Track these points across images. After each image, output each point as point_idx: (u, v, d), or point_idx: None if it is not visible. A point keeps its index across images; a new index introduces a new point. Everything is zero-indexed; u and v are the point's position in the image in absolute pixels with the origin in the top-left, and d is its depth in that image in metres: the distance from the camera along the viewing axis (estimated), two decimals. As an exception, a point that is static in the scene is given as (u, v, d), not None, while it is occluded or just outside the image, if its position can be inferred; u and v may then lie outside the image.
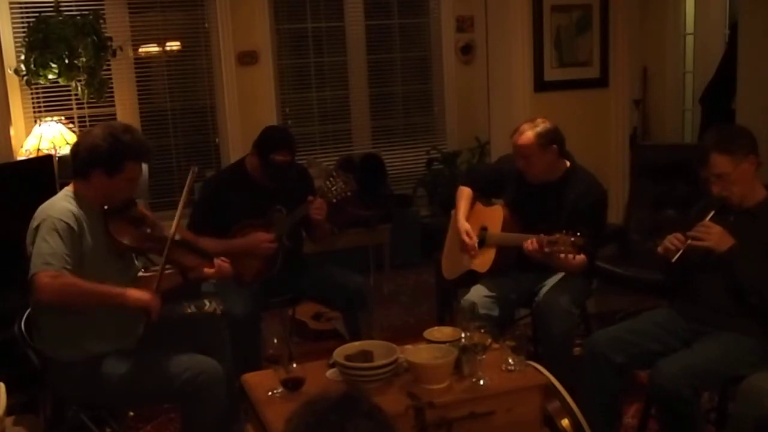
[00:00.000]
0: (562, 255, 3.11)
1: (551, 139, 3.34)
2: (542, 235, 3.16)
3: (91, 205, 2.78)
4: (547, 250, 3.13)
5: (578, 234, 3.06)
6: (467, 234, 3.52)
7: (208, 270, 2.95)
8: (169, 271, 2.83)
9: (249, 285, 3.61)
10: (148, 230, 2.85)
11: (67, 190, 2.78)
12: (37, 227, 2.63)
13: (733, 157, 2.77)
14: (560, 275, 3.37)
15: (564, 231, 3.10)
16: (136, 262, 3.00)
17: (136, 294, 2.69)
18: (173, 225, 2.82)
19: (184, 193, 2.90)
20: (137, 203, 2.94)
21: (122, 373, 2.70)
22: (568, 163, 3.49)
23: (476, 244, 3.51)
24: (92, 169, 2.73)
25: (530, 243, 3.20)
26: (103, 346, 2.74)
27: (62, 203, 2.70)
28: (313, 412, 1.36)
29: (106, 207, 2.84)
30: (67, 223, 2.63)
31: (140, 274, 2.98)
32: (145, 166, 5.24)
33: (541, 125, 3.34)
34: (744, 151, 2.79)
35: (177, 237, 2.82)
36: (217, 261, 2.97)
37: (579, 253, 3.11)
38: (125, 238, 2.78)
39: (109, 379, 2.70)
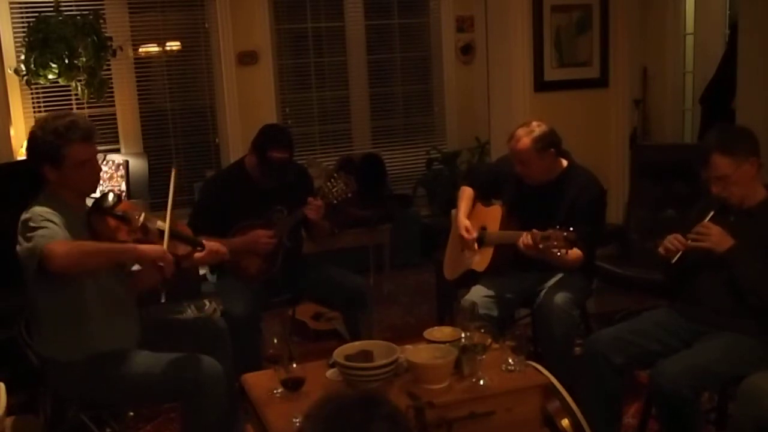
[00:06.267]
0: (555, 250, 3.11)
1: (548, 142, 3.34)
2: (535, 230, 3.17)
3: (72, 204, 2.75)
4: (540, 245, 3.14)
5: (571, 229, 3.06)
6: (466, 229, 3.52)
7: (199, 255, 2.94)
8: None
9: (250, 283, 3.61)
10: (133, 223, 2.81)
11: (42, 198, 2.73)
12: (26, 225, 2.60)
13: (734, 159, 2.77)
14: (561, 276, 3.37)
15: (557, 227, 3.10)
16: None
17: (148, 247, 2.67)
18: (166, 218, 2.81)
19: (171, 194, 2.86)
20: (122, 200, 2.91)
21: (122, 372, 2.70)
22: (565, 163, 3.49)
23: (475, 240, 3.52)
24: (41, 168, 2.70)
25: (524, 237, 3.21)
26: (102, 346, 2.73)
27: (43, 208, 2.66)
28: (336, 408, 1.33)
29: (88, 207, 2.83)
30: (54, 217, 2.61)
31: (134, 268, 2.97)
32: (144, 167, 5.30)
33: (537, 129, 3.33)
34: (746, 153, 2.79)
35: (167, 226, 2.80)
36: (207, 243, 2.96)
37: (571, 248, 3.11)
38: (110, 233, 2.76)
39: (109, 378, 2.70)
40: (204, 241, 2.94)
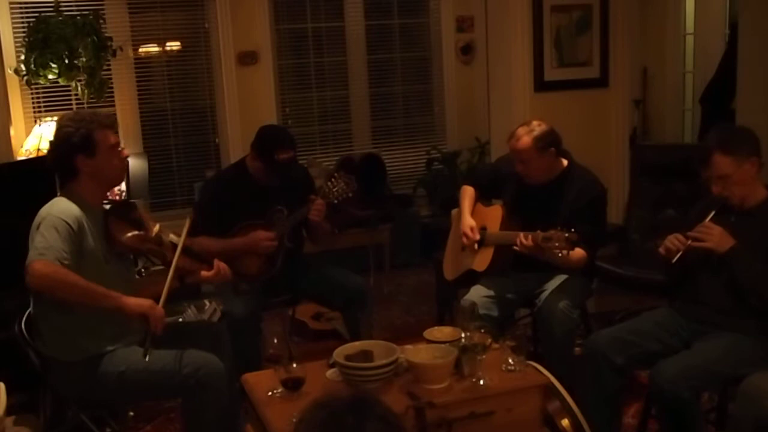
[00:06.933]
0: (557, 251, 3.11)
1: (549, 142, 3.34)
2: (539, 231, 3.17)
3: (91, 204, 2.78)
4: (542, 245, 3.14)
5: (572, 230, 3.06)
6: (471, 229, 3.52)
7: (205, 273, 2.96)
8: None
9: (250, 283, 3.61)
10: (148, 232, 2.84)
11: (65, 194, 2.77)
12: (36, 226, 2.64)
13: (735, 159, 2.77)
14: (561, 277, 3.37)
15: (559, 227, 3.10)
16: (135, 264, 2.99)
17: (134, 300, 2.68)
18: (182, 235, 2.83)
19: (183, 237, 2.87)
20: (137, 206, 2.94)
21: (122, 370, 2.71)
22: (565, 162, 3.49)
23: (475, 242, 3.52)
24: (74, 160, 2.74)
25: (524, 237, 3.21)
26: (103, 346, 2.74)
27: (63, 204, 2.71)
28: (329, 413, 1.34)
29: (107, 206, 2.84)
30: (66, 222, 2.63)
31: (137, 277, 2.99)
32: (144, 167, 5.30)
33: (538, 129, 3.33)
34: (746, 152, 2.79)
35: (181, 245, 2.83)
36: (216, 262, 2.97)
37: (573, 249, 3.12)
38: (124, 238, 2.78)
39: (110, 376, 2.70)
40: (215, 261, 2.97)
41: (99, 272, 2.70)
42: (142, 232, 2.83)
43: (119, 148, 2.84)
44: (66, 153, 2.75)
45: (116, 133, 2.85)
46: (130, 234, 2.80)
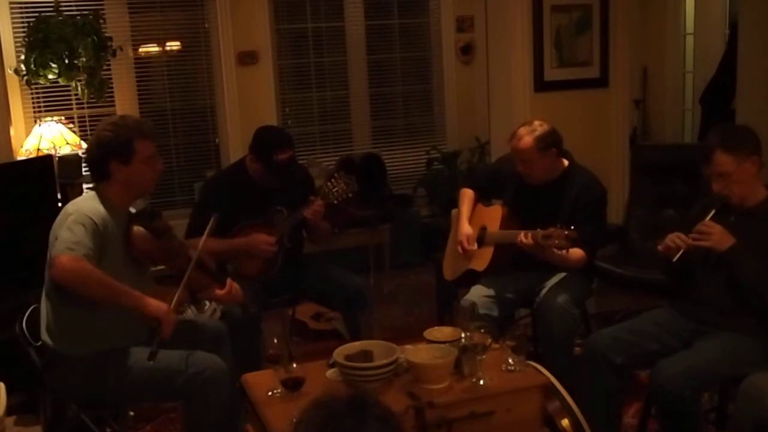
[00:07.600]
0: (556, 249, 3.11)
1: (550, 142, 3.34)
2: (539, 229, 3.17)
3: (117, 207, 2.80)
4: (542, 243, 3.14)
5: (572, 228, 3.06)
6: (467, 239, 3.52)
7: (218, 292, 2.98)
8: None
9: (250, 282, 3.61)
10: (168, 243, 2.86)
11: (93, 193, 2.80)
12: (64, 218, 2.66)
13: (736, 157, 2.77)
14: (561, 275, 3.37)
15: (558, 225, 3.10)
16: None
17: (154, 302, 2.69)
18: (199, 246, 2.85)
19: (205, 235, 2.90)
20: (162, 215, 2.95)
21: (128, 368, 2.71)
22: (566, 162, 3.49)
23: (473, 249, 3.52)
24: (108, 164, 2.77)
25: (524, 235, 3.21)
26: (111, 342, 2.75)
27: (91, 203, 2.74)
28: (327, 414, 1.34)
29: (133, 211, 2.86)
30: (93, 221, 2.66)
31: None
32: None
33: (539, 129, 3.33)
34: (747, 151, 2.79)
35: (195, 257, 2.84)
36: (229, 282, 2.99)
37: (572, 247, 3.12)
38: (143, 245, 2.79)
39: (114, 374, 2.71)
40: (228, 280, 2.98)
41: (116, 275, 2.69)
42: (161, 242, 2.84)
43: (157, 159, 2.86)
44: (102, 157, 2.78)
45: (156, 143, 2.87)
46: (149, 242, 2.81)
